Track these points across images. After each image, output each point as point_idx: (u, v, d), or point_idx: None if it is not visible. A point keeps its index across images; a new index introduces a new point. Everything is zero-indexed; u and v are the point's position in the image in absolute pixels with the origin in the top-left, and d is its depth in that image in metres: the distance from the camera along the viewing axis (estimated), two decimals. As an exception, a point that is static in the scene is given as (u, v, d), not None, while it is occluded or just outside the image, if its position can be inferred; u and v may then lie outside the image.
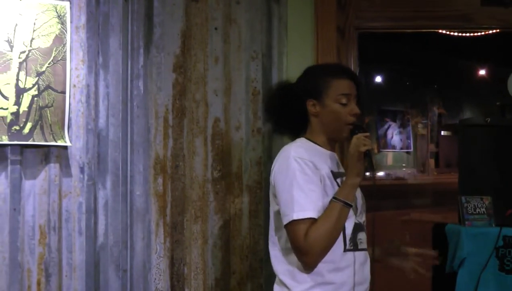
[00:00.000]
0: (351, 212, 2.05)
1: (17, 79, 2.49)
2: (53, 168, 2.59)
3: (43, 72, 2.53)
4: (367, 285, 2.13)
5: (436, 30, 3.10)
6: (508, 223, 2.69)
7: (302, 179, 2.01)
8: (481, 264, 2.62)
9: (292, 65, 2.80)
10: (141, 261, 2.72)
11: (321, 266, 2.02)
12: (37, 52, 2.53)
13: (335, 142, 2.21)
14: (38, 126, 2.52)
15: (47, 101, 2.54)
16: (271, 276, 2.76)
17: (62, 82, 2.57)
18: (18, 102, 2.49)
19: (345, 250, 2.05)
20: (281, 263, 2.10)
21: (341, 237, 2.04)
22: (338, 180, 2.09)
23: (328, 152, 2.16)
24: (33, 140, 2.51)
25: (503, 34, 3.24)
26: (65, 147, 2.60)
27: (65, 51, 2.57)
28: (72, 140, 2.61)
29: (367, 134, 2.07)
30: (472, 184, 2.80)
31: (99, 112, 2.68)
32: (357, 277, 2.06)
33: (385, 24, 2.91)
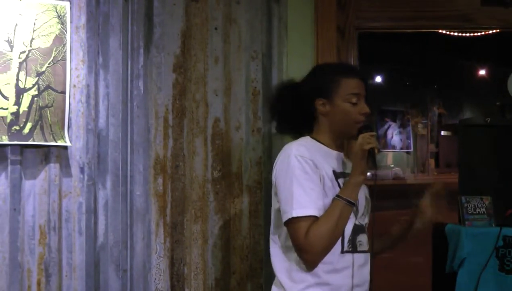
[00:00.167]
0: (351, 213, 2.03)
1: (17, 79, 2.49)
2: (53, 168, 2.59)
3: (43, 72, 2.53)
4: (366, 287, 2.10)
5: (436, 30, 3.10)
6: (508, 223, 2.69)
7: (302, 177, 1.99)
8: (481, 264, 2.62)
9: (292, 65, 2.80)
10: (141, 261, 2.72)
11: (318, 267, 2.00)
12: (37, 52, 2.53)
13: (341, 142, 2.19)
14: (38, 127, 2.52)
15: (47, 101, 2.54)
16: (271, 276, 2.75)
17: (62, 82, 2.57)
18: (18, 102, 2.49)
19: (343, 252, 2.04)
20: (279, 261, 2.10)
21: (339, 238, 2.03)
22: (340, 180, 2.07)
23: (334, 152, 2.14)
24: (33, 141, 2.51)
25: (503, 34, 3.24)
26: (65, 147, 2.60)
27: (65, 51, 2.57)
28: (72, 140, 2.61)
29: (373, 133, 2.06)
30: (472, 184, 2.80)
31: (99, 112, 2.68)
32: (355, 279, 2.04)
33: (385, 24, 2.91)
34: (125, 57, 2.71)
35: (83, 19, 2.63)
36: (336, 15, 2.82)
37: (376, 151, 2.02)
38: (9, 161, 2.52)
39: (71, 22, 2.60)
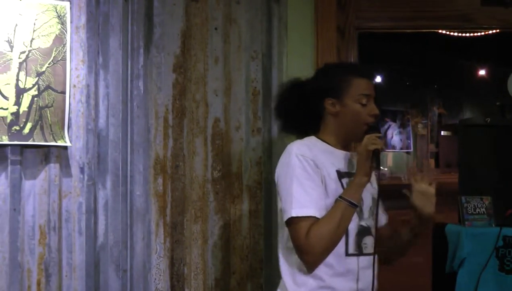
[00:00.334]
0: (354, 214, 1.99)
1: (17, 80, 2.49)
2: (53, 168, 2.59)
3: (43, 72, 2.53)
4: None
5: (436, 30, 3.10)
6: (508, 223, 2.69)
7: (302, 176, 1.97)
8: (481, 264, 2.62)
9: (292, 65, 2.80)
10: (141, 261, 2.72)
11: (321, 270, 1.96)
12: (37, 52, 2.53)
13: (349, 142, 2.15)
14: (38, 127, 2.52)
15: (47, 101, 2.54)
16: (271, 276, 2.76)
17: (62, 82, 2.57)
18: (18, 103, 2.49)
19: (347, 255, 1.99)
20: (283, 262, 2.06)
21: (343, 240, 1.98)
22: (344, 180, 2.03)
23: (340, 151, 2.10)
24: (33, 141, 2.51)
25: (503, 34, 3.24)
26: (65, 147, 2.60)
27: (65, 51, 2.57)
28: (72, 140, 2.61)
29: (379, 134, 2.03)
30: (472, 184, 2.80)
31: (99, 113, 2.68)
32: (360, 283, 2.00)
33: (385, 24, 2.91)
34: (125, 57, 2.71)
35: (83, 19, 2.63)
36: (336, 15, 2.82)
37: (380, 152, 2.00)
38: (9, 161, 2.52)
39: (71, 22, 2.60)
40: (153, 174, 2.75)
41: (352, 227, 2.00)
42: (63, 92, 2.57)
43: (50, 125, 2.54)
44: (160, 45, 2.76)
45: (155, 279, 2.74)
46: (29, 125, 2.51)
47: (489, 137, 2.86)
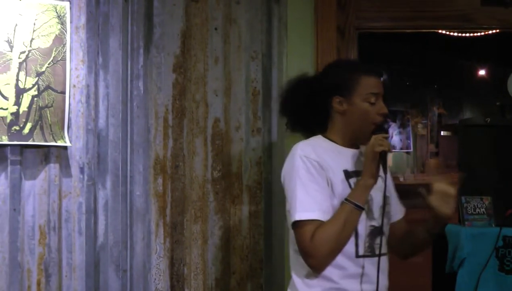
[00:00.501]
0: (363, 215, 1.95)
1: (17, 80, 2.49)
2: (53, 168, 2.59)
3: (43, 72, 2.53)
4: None
5: (436, 30, 3.10)
6: (508, 223, 2.69)
7: (306, 178, 1.93)
8: (481, 264, 2.62)
9: (292, 65, 2.80)
10: (141, 261, 2.72)
11: (332, 272, 1.93)
12: (37, 52, 2.52)
13: (356, 141, 2.09)
14: (38, 127, 2.52)
15: (47, 101, 2.54)
16: (271, 276, 2.76)
17: (62, 82, 2.57)
18: (18, 103, 2.49)
19: (358, 256, 1.95)
20: (294, 263, 2.02)
21: (353, 242, 1.94)
22: (352, 180, 1.98)
23: (348, 150, 2.05)
24: (33, 141, 2.51)
25: (503, 34, 3.24)
26: (65, 147, 2.60)
27: (65, 51, 2.57)
28: (72, 140, 2.61)
29: (386, 135, 1.98)
30: (472, 184, 2.80)
31: (99, 113, 2.68)
32: (371, 285, 1.95)
33: (385, 24, 2.91)
34: (125, 58, 2.71)
35: (83, 19, 2.63)
36: (336, 15, 2.82)
37: (387, 153, 1.94)
38: (9, 161, 2.52)
39: (71, 22, 2.60)
40: (153, 174, 2.74)
41: (362, 228, 1.96)
42: (63, 92, 2.57)
43: (50, 125, 2.54)
44: (160, 45, 2.76)
45: (155, 279, 2.74)
46: (29, 125, 2.50)
47: (489, 138, 2.86)
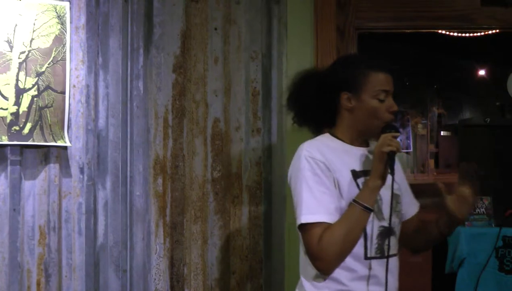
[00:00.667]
0: (372, 216, 1.89)
1: (17, 80, 2.49)
2: (53, 168, 2.59)
3: (43, 72, 2.53)
4: None
5: (436, 30, 3.10)
6: (507, 223, 2.70)
7: (312, 180, 1.88)
8: (480, 264, 2.62)
9: (292, 65, 2.80)
10: (141, 261, 2.72)
11: (340, 274, 1.88)
12: (36, 52, 2.52)
13: (365, 138, 2.03)
14: (37, 127, 2.52)
15: (46, 101, 2.54)
16: (271, 276, 2.76)
17: (62, 82, 2.57)
18: (18, 103, 2.49)
19: (367, 258, 1.90)
20: (303, 265, 1.98)
21: (361, 244, 1.89)
22: (360, 180, 1.92)
23: (356, 149, 1.99)
24: (33, 141, 2.51)
25: (503, 34, 3.24)
26: (65, 147, 2.60)
27: (65, 51, 2.57)
28: (71, 140, 2.61)
29: (397, 134, 1.91)
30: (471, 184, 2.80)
31: (98, 113, 2.68)
32: (380, 287, 1.90)
33: (385, 24, 2.91)
34: (125, 58, 2.71)
35: (82, 20, 2.63)
36: (336, 15, 2.81)
37: (396, 153, 1.87)
38: (8, 161, 2.52)
39: (70, 22, 2.60)
40: (152, 174, 2.74)
41: (371, 229, 1.91)
42: (63, 93, 2.57)
43: (50, 125, 2.54)
44: (160, 45, 2.76)
45: (155, 279, 2.74)
46: (28, 125, 2.50)
47: (488, 138, 2.86)
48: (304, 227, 1.87)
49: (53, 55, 2.55)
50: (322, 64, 2.70)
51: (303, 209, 1.87)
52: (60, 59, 2.56)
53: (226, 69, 2.80)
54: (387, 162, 1.86)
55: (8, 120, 2.48)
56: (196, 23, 2.79)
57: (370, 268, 1.90)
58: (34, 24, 2.52)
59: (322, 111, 2.02)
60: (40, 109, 2.52)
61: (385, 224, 1.93)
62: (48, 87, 2.54)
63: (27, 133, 2.50)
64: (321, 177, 1.88)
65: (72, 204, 2.62)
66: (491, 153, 2.85)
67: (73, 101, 2.62)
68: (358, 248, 1.89)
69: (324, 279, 1.90)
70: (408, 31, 3.04)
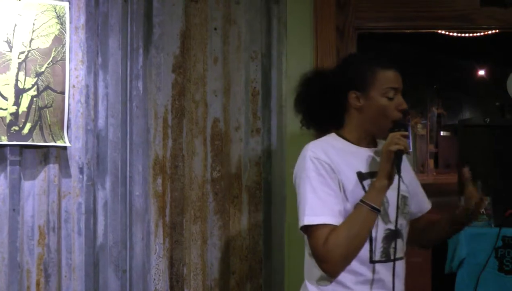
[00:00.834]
0: (378, 219, 1.85)
1: (16, 80, 2.49)
2: (52, 169, 2.59)
3: (42, 72, 2.53)
4: None
5: (436, 30, 3.10)
6: (507, 223, 2.70)
7: (317, 180, 1.84)
8: (480, 264, 2.62)
9: (292, 65, 2.80)
10: (141, 261, 2.72)
11: (345, 277, 1.85)
12: (36, 52, 2.52)
13: (374, 138, 1.99)
14: (37, 127, 2.52)
15: (46, 101, 2.54)
16: (271, 276, 2.76)
17: (62, 82, 2.57)
18: (17, 103, 2.49)
19: (372, 261, 1.86)
20: (307, 267, 1.95)
21: (367, 247, 1.85)
22: (366, 182, 1.88)
23: (362, 149, 1.95)
24: (33, 141, 2.51)
25: (502, 35, 3.24)
26: (65, 147, 2.60)
27: (64, 51, 2.57)
28: (71, 140, 2.61)
29: (405, 133, 1.86)
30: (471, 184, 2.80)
31: (98, 113, 2.68)
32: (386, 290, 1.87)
33: (384, 25, 2.91)
34: (125, 58, 2.71)
35: (82, 20, 2.63)
36: (336, 15, 2.81)
37: (404, 153, 1.83)
38: (8, 161, 2.52)
39: (70, 22, 2.60)
40: (152, 174, 2.74)
41: (377, 232, 1.86)
42: (63, 93, 2.57)
43: (50, 125, 2.54)
44: (160, 45, 2.76)
45: (155, 279, 2.74)
46: (28, 125, 2.50)
47: (488, 138, 2.86)
48: (309, 229, 1.84)
49: (52, 55, 2.55)
50: (322, 64, 2.70)
51: (307, 210, 1.83)
52: (59, 59, 2.56)
53: (226, 69, 2.80)
54: (394, 161, 1.82)
55: (7, 121, 2.48)
56: (195, 23, 2.79)
57: (375, 272, 1.87)
58: (33, 24, 2.52)
59: (330, 112, 1.98)
60: (39, 110, 2.52)
61: (391, 226, 1.89)
62: (47, 87, 2.54)
63: (27, 134, 2.50)
64: (326, 178, 1.85)
65: (72, 204, 2.62)
66: (490, 153, 2.85)
67: (73, 102, 2.62)
68: (364, 252, 1.85)
69: (330, 282, 1.87)
70: (408, 31, 3.04)
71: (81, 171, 2.63)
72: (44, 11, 2.54)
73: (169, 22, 2.77)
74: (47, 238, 2.57)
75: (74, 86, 2.62)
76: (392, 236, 1.89)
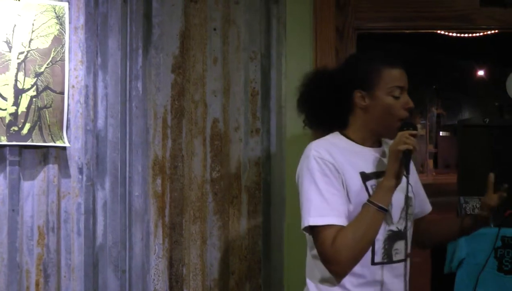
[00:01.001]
0: None
1: (16, 80, 2.49)
2: (52, 169, 2.59)
3: (42, 73, 2.53)
4: None
5: (435, 31, 3.09)
6: (506, 223, 2.69)
7: (321, 180, 1.82)
8: (479, 264, 2.62)
9: (291, 65, 2.80)
10: (140, 261, 2.72)
11: (346, 279, 1.83)
12: (35, 53, 2.52)
13: (380, 138, 1.98)
14: (36, 127, 2.52)
15: (45, 102, 2.54)
16: (270, 276, 2.76)
17: (61, 83, 2.57)
18: (16, 103, 2.49)
19: (374, 263, 1.85)
20: (309, 268, 1.95)
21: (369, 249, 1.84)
22: (369, 183, 1.87)
23: (367, 149, 1.93)
24: (32, 141, 2.51)
25: (502, 35, 3.24)
26: (64, 148, 2.60)
27: (64, 52, 2.57)
28: (70, 141, 2.61)
29: (414, 132, 1.83)
30: (470, 184, 2.80)
31: (97, 113, 2.68)
32: None
33: (384, 25, 2.91)
34: (124, 58, 2.71)
35: (81, 20, 2.63)
36: (335, 15, 2.81)
37: (413, 152, 1.80)
38: (7, 161, 2.52)
39: (69, 22, 2.60)
40: (151, 175, 2.74)
41: (380, 234, 1.84)
42: (62, 93, 2.57)
43: (49, 125, 2.54)
44: (159, 45, 2.76)
45: (154, 279, 2.74)
46: (27, 125, 2.50)
47: (487, 138, 2.86)
48: (315, 230, 1.82)
49: (52, 56, 2.55)
50: (321, 65, 2.70)
51: (311, 210, 1.81)
52: (59, 60, 2.56)
53: (225, 70, 2.79)
54: (402, 161, 1.79)
55: (7, 121, 2.47)
56: (195, 24, 2.79)
57: (377, 274, 1.86)
58: (33, 25, 2.52)
59: (335, 111, 1.96)
60: (39, 110, 2.52)
61: (394, 228, 1.88)
62: (47, 87, 2.54)
63: (26, 134, 2.50)
64: (331, 178, 1.83)
65: (71, 204, 2.62)
66: (490, 153, 2.85)
67: (72, 102, 2.62)
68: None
69: (331, 284, 1.85)
70: (408, 31, 3.04)
71: (80, 171, 2.63)
72: (44, 11, 2.54)
73: (168, 23, 2.77)
74: (47, 238, 2.57)
75: (73, 86, 2.62)
76: (394, 237, 1.88)
